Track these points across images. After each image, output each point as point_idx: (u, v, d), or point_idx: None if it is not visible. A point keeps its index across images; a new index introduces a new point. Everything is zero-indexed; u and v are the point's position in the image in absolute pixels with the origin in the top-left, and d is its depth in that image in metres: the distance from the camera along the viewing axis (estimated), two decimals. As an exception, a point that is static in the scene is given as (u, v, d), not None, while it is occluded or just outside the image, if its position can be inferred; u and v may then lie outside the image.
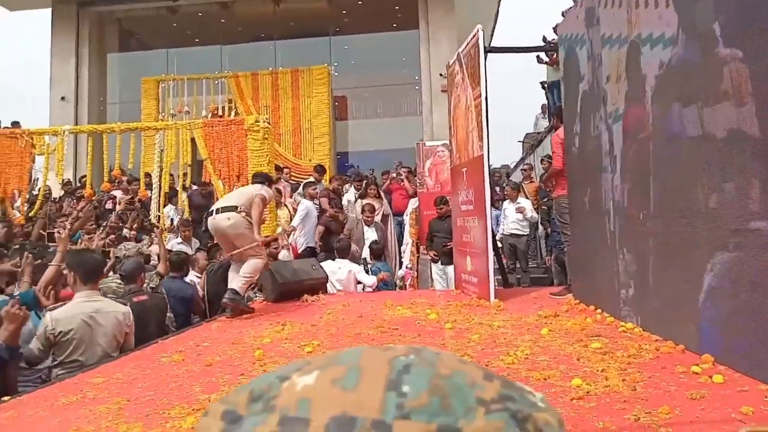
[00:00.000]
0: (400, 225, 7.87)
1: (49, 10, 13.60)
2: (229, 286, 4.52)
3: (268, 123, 6.58)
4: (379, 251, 6.30)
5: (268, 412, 0.34)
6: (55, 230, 6.11)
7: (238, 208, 4.62)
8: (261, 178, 5.18)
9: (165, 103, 12.03)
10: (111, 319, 3.33)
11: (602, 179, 3.85)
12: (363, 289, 5.79)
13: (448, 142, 6.60)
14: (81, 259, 3.40)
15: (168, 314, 4.39)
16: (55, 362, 3.15)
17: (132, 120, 9.10)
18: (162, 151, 6.99)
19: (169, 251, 5.42)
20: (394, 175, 9.04)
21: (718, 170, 2.47)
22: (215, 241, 5.26)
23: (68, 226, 5.68)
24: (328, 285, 5.76)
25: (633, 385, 2.24)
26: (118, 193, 8.45)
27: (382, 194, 7.50)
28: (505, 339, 3.23)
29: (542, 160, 9.11)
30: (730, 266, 2.42)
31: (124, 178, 8.63)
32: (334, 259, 6.03)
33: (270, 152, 6.52)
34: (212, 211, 4.70)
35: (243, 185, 5.56)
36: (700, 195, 2.62)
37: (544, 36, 9.13)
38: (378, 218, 6.96)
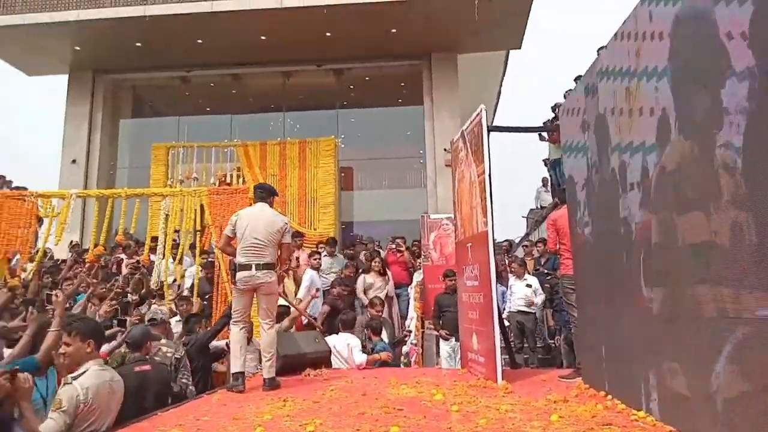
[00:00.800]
0: (398, 297, 7.81)
1: (66, 76, 14.09)
2: (264, 374, 4.48)
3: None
4: (378, 327, 6.18)
5: None
6: (53, 293, 6.06)
7: (275, 263, 4.62)
8: (266, 192, 4.93)
9: (174, 170, 12.25)
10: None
11: (610, 263, 3.87)
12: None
13: (452, 215, 6.67)
14: (95, 326, 3.37)
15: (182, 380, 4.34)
16: None
17: (141, 185, 9.26)
18: (167, 216, 7.05)
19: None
20: (393, 246, 8.96)
21: (727, 265, 2.49)
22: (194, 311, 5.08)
23: (65, 290, 5.64)
24: (332, 359, 5.65)
25: (650, 481, 2.17)
26: (124, 257, 8.46)
27: (387, 270, 7.41)
28: (514, 425, 3.15)
29: (536, 243, 9.19)
30: (741, 358, 2.40)
31: (131, 243, 8.66)
32: (338, 333, 5.94)
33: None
34: (251, 265, 4.53)
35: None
36: (706, 291, 2.62)
37: (554, 105, 9.41)
38: (382, 294, 6.82)
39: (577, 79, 7.45)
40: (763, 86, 2.28)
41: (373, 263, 7.14)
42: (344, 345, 5.69)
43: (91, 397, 3.00)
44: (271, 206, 4.87)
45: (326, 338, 5.74)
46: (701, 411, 2.70)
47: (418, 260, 8.70)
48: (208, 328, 5.10)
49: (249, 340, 4.93)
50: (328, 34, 12.30)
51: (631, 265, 3.52)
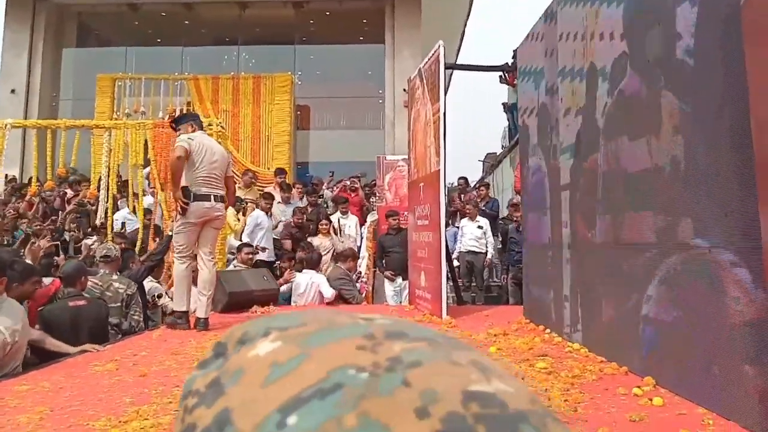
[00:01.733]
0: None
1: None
2: (198, 313, 4.19)
3: (223, 127, 6.42)
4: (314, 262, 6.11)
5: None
6: None
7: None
8: (192, 119, 4.58)
9: (120, 102, 11.64)
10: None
11: (553, 206, 3.90)
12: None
13: (407, 156, 6.59)
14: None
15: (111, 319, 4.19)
16: None
17: (86, 118, 8.79)
18: (110, 151, 6.73)
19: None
20: (348, 182, 8.78)
21: (658, 199, 2.51)
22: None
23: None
24: (293, 297, 5.62)
25: (575, 406, 2.23)
26: (69, 192, 8.11)
27: (334, 230, 7.06)
28: (453, 356, 3.19)
29: (478, 187, 9.23)
30: (667, 291, 2.46)
31: (76, 177, 8.30)
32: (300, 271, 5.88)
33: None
34: (209, 195, 4.19)
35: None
36: (643, 222, 2.65)
37: (515, 50, 9.24)
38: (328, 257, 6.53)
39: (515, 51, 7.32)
40: (708, 22, 2.24)
41: (320, 226, 6.78)
42: (308, 282, 5.65)
43: (15, 334, 2.85)
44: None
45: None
46: (628, 339, 2.79)
47: (373, 201, 8.65)
48: (142, 265, 4.93)
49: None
50: (287, -37, 11.71)
51: (575, 194, 3.55)
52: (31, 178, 7.74)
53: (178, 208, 4.12)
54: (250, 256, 5.85)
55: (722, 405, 2.06)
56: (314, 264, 5.87)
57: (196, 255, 4.32)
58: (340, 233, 7.08)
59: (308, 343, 0.30)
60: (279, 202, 7.58)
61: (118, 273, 4.52)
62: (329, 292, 5.52)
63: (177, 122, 4.53)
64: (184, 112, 11.35)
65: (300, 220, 6.96)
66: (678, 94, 2.43)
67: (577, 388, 2.49)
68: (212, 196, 4.20)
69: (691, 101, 2.33)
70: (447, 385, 0.26)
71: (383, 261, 6.57)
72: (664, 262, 2.49)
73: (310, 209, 7.53)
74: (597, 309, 3.16)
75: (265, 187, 8.70)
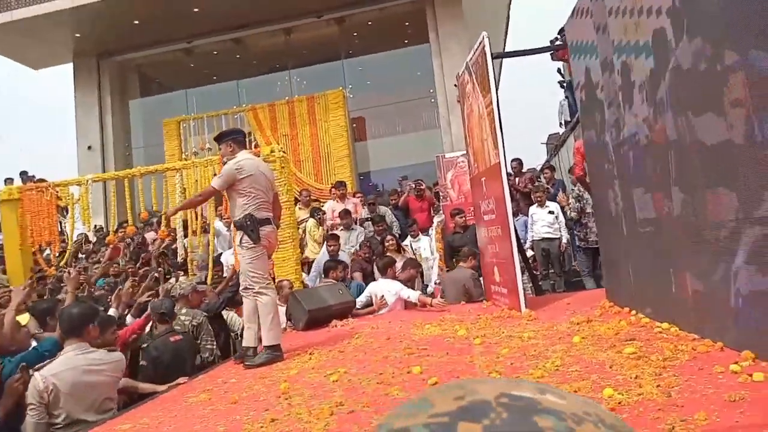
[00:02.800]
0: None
1: (71, 64, 14.12)
2: (266, 342, 3.96)
3: (284, 152, 6.61)
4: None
5: None
6: (66, 270, 6.16)
7: None
8: (243, 136, 4.43)
9: (187, 143, 12.26)
10: (112, 366, 3.21)
11: (625, 181, 3.73)
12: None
13: (465, 152, 6.52)
14: (70, 316, 3.20)
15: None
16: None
17: (158, 163, 9.30)
18: (184, 190, 7.09)
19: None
20: (412, 185, 8.44)
21: (736, 172, 2.34)
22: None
23: (77, 268, 5.74)
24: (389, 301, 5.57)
25: (668, 391, 2.11)
26: (149, 236, 8.59)
27: (402, 247, 6.83)
28: (536, 351, 3.12)
29: (543, 170, 8.95)
30: (758, 256, 2.28)
31: (154, 220, 8.78)
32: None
33: (288, 180, 6.53)
34: (269, 219, 4.07)
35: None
36: (720, 195, 2.48)
37: (561, 28, 8.95)
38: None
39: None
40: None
41: (386, 244, 6.63)
42: (387, 290, 5.63)
43: (53, 384, 2.88)
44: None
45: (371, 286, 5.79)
46: (720, 312, 2.62)
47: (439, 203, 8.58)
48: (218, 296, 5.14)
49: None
50: (325, -19, 11.94)
51: (652, 169, 3.37)
52: (123, 222, 8.27)
53: (248, 236, 3.94)
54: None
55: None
56: (384, 270, 5.88)
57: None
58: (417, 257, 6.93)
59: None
60: (342, 230, 7.39)
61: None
62: (414, 295, 5.43)
63: (218, 140, 4.38)
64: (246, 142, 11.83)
65: (367, 254, 6.81)
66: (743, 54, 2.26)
67: (670, 371, 2.36)
68: (271, 220, 4.10)
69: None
70: None
71: (453, 260, 6.49)
72: (747, 233, 2.32)
73: (377, 236, 7.34)
74: (684, 284, 2.98)
75: (324, 201, 8.86)
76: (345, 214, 7.51)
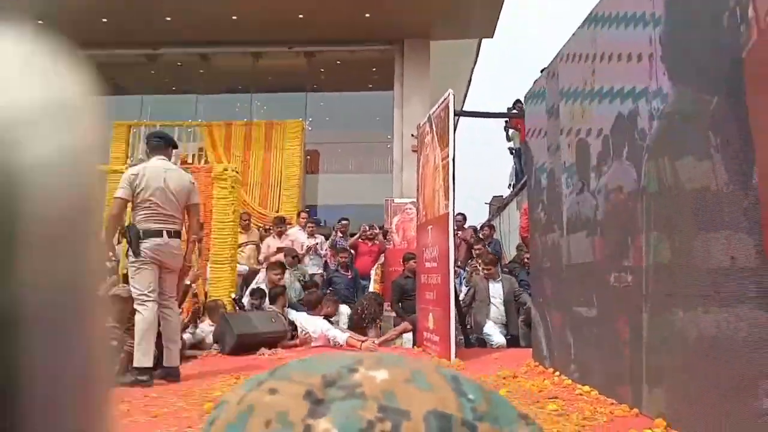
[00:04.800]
0: (364, 289, 7.43)
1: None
2: (170, 363, 3.83)
3: (237, 172, 6.56)
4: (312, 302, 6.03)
5: (359, 398, 0.31)
6: None
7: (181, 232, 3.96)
8: (162, 141, 4.08)
9: (135, 149, 11.95)
10: None
11: (557, 244, 3.95)
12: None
13: (416, 199, 6.68)
14: None
15: None
16: None
17: (101, 163, 8.98)
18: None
19: None
20: (367, 227, 8.12)
21: (664, 232, 2.56)
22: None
23: None
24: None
25: (585, 449, 2.22)
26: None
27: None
28: (462, 399, 3.18)
29: (482, 227, 9.22)
30: (672, 328, 2.47)
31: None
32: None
33: (237, 201, 6.48)
34: (161, 231, 3.76)
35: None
36: (647, 254, 2.69)
37: (517, 99, 9.47)
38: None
39: (543, 70, 7.48)
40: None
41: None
42: (314, 326, 5.57)
43: None
44: (170, 160, 4.11)
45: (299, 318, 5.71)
46: (637, 380, 2.78)
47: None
48: None
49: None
50: (300, 15, 12.12)
51: (579, 246, 3.59)
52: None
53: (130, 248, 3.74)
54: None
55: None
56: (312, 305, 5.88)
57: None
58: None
59: (396, 363, 0.35)
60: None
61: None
62: (342, 337, 5.31)
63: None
64: (197, 157, 11.65)
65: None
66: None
67: (588, 430, 2.48)
68: (164, 232, 3.78)
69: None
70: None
71: (401, 305, 6.50)
72: (666, 302, 2.51)
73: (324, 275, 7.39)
74: (602, 350, 3.16)
75: (266, 226, 8.77)
76: (290, 251, 7.31)
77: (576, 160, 3.74)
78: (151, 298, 3.72)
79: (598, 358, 3.30)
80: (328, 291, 6.77)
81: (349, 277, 7.20)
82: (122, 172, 7.07)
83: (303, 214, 8.65)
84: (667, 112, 2.67)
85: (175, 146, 4.28)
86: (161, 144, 4.04)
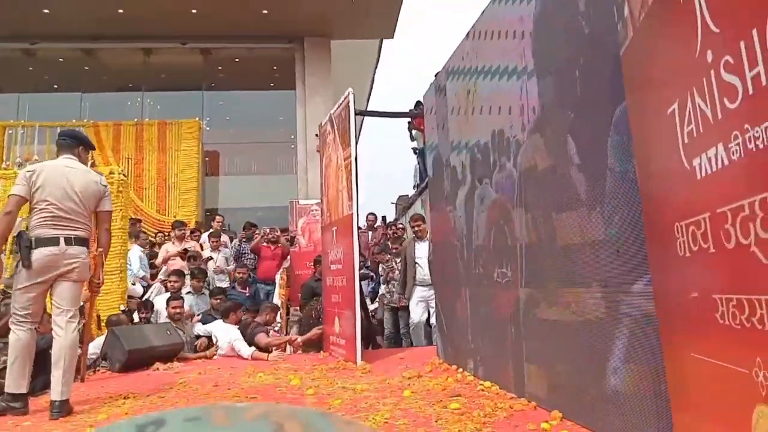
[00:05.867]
0: (268, 295, 7.26)
1: None
2: (55, 396, 3.19)
3: (124, 175, 6.12)
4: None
5: None
6: None
7: (88, 240, 3.48)
8: (72, 140, 3.60)
9: (11, 151, 10.89)
10: None
11: (456, 243, 4.01)
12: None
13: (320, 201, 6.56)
14: None
15: None
16: None
17: (-32, 167, 8.10)
18: (-1, 202, 6.22)
19: None
20: (268, 230, 7.94)
21: (552, 233, 2.64)
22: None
23: None
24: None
25: (486, 447, 2.22)
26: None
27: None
28: (367, 403, 3.13)
29: (390, 225, 9.32)
30: (565, 324, 2.55)
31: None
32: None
33: (125, 206, 6.04)
34: (58, 238, 3.30)
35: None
36: (542, 257, 2.77)
37: (418, 101, 9.59)
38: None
39: (437, 75, 7.62)
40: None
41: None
42: (224, 334, 5.36)
43: None
44: (83, 162, 3.62)
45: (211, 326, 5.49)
46: (535, 373, 2.85)
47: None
48: None
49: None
50: (194, 10, 11.60)
51: (471, 251, 3.65)
52: None
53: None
54: (178, 310, 5.54)
55: (623, 433, 2.13)
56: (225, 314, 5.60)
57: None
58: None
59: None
60: (188, 293, 6.41)
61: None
62: (246, 351, 5.08)
63: None
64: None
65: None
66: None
67: (489, 427, 2.50)
68: (61, 239, 3.32)
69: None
70: None
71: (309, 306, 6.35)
72: (557, 297, 2.59)
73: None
74: (501, 346, 3.22)
75: (164, 232, 8.31)
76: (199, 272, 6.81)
77: (462, 167, 3.82)
78: (28, 320, 3.26)
79: (492, 352, 3.37)
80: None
81: (247, 294, 6.88)
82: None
83: (218, 218, 8.24)
84: (537, 120, 2.76)
85: (91, 147, 3.83)
86: (69, 143, 3.57)
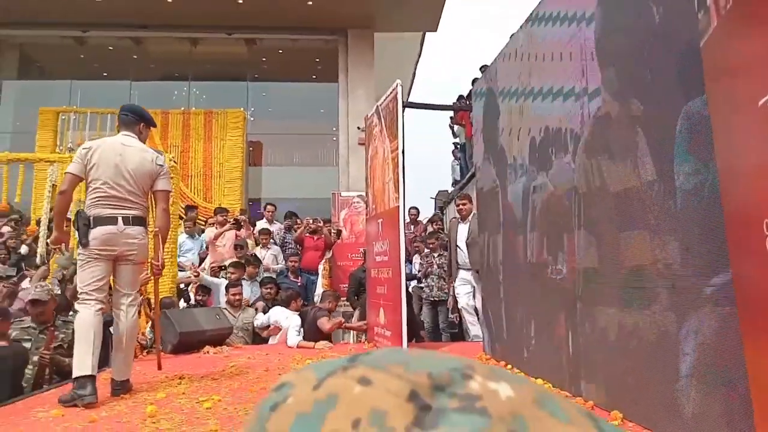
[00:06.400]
0: (310, 285, 7.26)
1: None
2: (116, 376, 3.25)
3: (175, 162, 6.26)
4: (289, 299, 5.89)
5: (481, 415, 0.24)
6: None
7: (146, 219, 3.44)
8: (133, 116, 3.51)
9: (63, 136, 11.23)
10: None
11: (509, 237, 3.96)
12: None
13: (363, 193, 6.58)
14: None
15: None
16: None
17: (27, 152, 8.41)
18: (54, 186, 6.43)
19: None
20: (311, 220, 7.77)
21: (615, 227, 2.58)
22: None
23: None
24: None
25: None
26: (6, 230, 7.66)
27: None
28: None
29: (433, 221, 9.16)
30: (630, 323, 2.49)
31: (15, 215, 7.86)
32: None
33: (176, 193, 6.18)
34: (116, 218, 3.23)
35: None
36: (604, 250, 2.71)
37: (460, 95, 9.54)
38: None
39: (483, 68, 7.52)
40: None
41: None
42: (285, 319, 5.47)
43: None
44: (141, 140, 3.52)
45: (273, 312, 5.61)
46: (588, 371, 2.81)
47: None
48: None
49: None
50: (240, 0, 11.76)
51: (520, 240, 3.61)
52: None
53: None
54: (238, 297, 5.74)
55: (692, 435, 2.08)
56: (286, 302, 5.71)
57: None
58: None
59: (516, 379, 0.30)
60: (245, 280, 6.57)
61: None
62: (292, 340, 5.15)
63: None
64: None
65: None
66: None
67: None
68: (119, 218, 3.24)
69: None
70: None
71: (357, 297, 6.38)
72: (594, 300, 2.54)
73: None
74: (558, 343, 3.18)
75: (205, 220, 8.46)
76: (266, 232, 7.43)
77: (515, 159, 3.77)
78: (92, 297, 3.15)
79: (545, 351, 3.33)
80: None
81: (300, 284, 6.97)
82: (51, 161, 6.66)
83: (269, 207, 8.32)
84: (598, 112, 2.70)
85: (153, 124, 3.75)
86: (131, 119, 3.47)
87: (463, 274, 5.85)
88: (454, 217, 6.02)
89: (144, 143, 3.55)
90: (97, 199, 3.23)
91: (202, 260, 7.18)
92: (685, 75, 2.17)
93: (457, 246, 5.88)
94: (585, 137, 2.97)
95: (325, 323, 5.35)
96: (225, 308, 5.62)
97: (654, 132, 2.37)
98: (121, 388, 3.27)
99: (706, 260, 2.05)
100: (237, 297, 5.69)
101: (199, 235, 7.62)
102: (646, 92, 2.42)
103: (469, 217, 5.80)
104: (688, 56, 2.11)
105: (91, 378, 3.00)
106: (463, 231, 5.84)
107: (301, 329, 5.27)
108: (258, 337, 5.69)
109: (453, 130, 11.04)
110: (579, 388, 2.92)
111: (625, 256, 2.55)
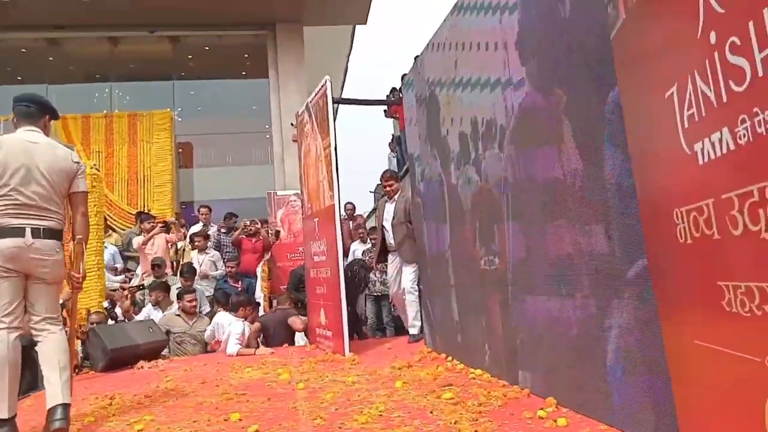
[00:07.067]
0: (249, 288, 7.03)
1: None
2: (57, 400, 2.71)
3: (97, 169, 5.95)
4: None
5: None
6: None
7: (62, 230, 2.94)
8: (35, 107, 3.02)
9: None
10: None
11: (441, 230, 3.99)
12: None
13: (299, 191, 6.47)
14: None
15: None
16: None
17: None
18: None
19: None
20: (248, 223, 7.43)
21: (542, 217, 2.62)
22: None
23: None
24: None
25: (486, 437, 2.21)
26: None
27: None
28: (360, 396, 3.10)
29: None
30: (559, 310, 2.55)
31: None
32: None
33: (99, 202, 5.87)
34: (23, 229, 2.75)
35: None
36: (532, 240, 2.76)
37: (393, 87, 9.52)
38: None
39: (417, 59, 7.52)
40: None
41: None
42: (228, 325, 5.30)
43: None
44: (45, 134, 3.01)
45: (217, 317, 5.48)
46: (525, 360, 2.85)
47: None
48: None
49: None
50: (160, -4, 11.29)
51: (461, 233, 3.63)
52: None
53: None
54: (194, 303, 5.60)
55: (621, 419, 2.14)
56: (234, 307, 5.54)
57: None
58: None
59: None
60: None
61: None
62: (231, 349, 5.00)
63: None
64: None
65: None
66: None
67: (485, 416, 2.49)
68: (28, 230, 2.77)
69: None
70: None
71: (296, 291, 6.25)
72: (525, 288, 2.59)
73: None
74: (490, 332, 3.22)
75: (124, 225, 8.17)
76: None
77: (444, 151, 3.79)
78: (4, 324, 2.67)
79: (482, 341, 3.37)
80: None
81: (240, 288, 6.78)
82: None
83: (203, 209, 8.03)
84: (523, 102, 2.74)
85: (55, 116, 3.18)
86: (33, 111, 2.99)
87: (392, 258, 5.47)
88: (383, 196, 5.65)
89: (49, 138, 3.03)
90: (3, 207, 2.75)
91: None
92: (606, 65, 2.21)
93: (383, 226, 5.45)
94: (511, 128, 3.00)
95: (297, 322, 5.42)
96: (179, 314, 5.54)
97: (578, 122, 2.40)
98: (65, 415, 2.70)
99: (626, 248, 2.11)
100: (192, 303, 5.58)
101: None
102: (569, 82, 2.45)
103: (395, 196, 5.41)
104: (607, 47, 2.14)
105: (9, 422, 2.60)
106: (390, 211, 5.43)
107: (244, 337, 5.14)
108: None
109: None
110: (516, 376, 2.96)
111: (552, 245, 2.60)
